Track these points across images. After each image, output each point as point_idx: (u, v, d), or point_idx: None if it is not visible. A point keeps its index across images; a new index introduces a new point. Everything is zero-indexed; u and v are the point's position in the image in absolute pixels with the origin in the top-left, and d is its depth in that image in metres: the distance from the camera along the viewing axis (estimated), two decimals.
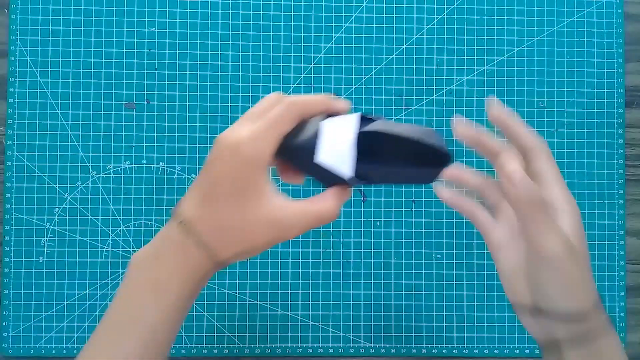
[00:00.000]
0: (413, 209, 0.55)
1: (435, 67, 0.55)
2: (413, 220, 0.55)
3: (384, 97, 0.55)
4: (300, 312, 0.54)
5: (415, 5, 0.56)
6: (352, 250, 0.54)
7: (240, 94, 0.55)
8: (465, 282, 0.54)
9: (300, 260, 0.54)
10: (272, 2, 0.55)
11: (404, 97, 0.55)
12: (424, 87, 0.55)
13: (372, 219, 0.55)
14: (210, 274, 0.34)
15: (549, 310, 0.32)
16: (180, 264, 0.32)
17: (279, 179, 0.36)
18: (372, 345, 0.54)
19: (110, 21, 0.54)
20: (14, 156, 0.53)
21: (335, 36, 0.55)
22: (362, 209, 0.55)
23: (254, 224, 0.32)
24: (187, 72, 0.55)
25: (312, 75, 0.55)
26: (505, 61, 0.56)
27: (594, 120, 0.56)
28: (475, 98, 0.55)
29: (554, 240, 0.32)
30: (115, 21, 0.54)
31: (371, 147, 0.34)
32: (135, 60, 0.54)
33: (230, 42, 0.55)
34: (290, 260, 0.54)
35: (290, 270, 0.54)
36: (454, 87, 0.55)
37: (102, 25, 0.54)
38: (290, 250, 0.54)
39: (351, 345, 0.54)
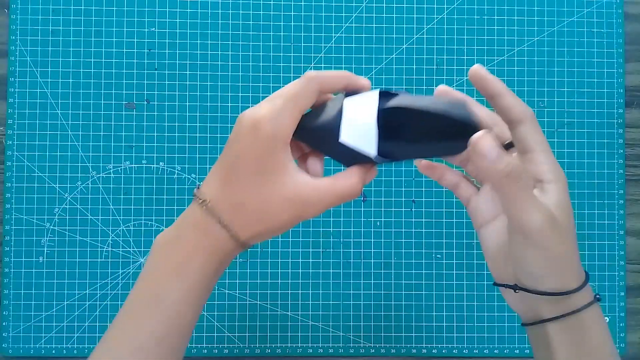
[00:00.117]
0: (413, 209, 0.55)
1: (435, 67, 0.55)
2: (413, 220, 0.55)
3: None
4: (300, 312, 0.54)
5: (415, 5, 0.56)
6: (352, 250, 0.54)
7: (240, 94, 0.55)
8: (465, 282, 0.54)
9: (300, 260, 0.54)
10: (272, 2, 0.55)
11: None
12: (424, 87, 0.55)
13: (372, 219, 0.55)
14: (233, 254, 0.34)
15: (531, 288, 0.32)
16: (201, 244, 0.32)
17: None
18: (372, 345, 0.54)
19: (110, 21, 0.54)
20: (14, 156, 0.53)
21: (335, 36, 0.55)
22: (362, 209, 0.55)
23: (275, 201, 0.32)
24: (187, 72, 0.55)
25: None
26: (505, 61, 0.56)
27: (594, 120, 0.56)
28: (475, 98, 0.55)
29: (533, 213, 0.30)
30: (115, 21, 0.54)
31: (394, 123, 0.33)
32: (135, 60, 0.54)
33: (230, 42, 0.55)
34: (290, 260, 0.54)
35: (290, 270, 0.54)
36: (454, 87, 0.55)
37: (102, 25, 0.54)
38: (290, 250, 0.54)
39: (351, 345, 0.54)
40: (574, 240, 0.32)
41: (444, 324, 0.54)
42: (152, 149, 0.54)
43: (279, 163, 0.32)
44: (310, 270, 0.54)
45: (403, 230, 0.55)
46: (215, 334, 0.53)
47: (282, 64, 0.55)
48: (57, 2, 0.54)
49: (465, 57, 0.55)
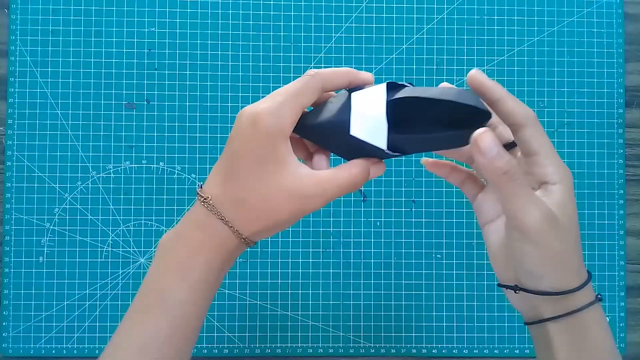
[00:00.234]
0: (413, 209, 0.55)
1: (435, 67, 0.55)
2: (413, 220, 0.55)
3: None
4: (300, 312, 0.54)
5: (415, 5, 0.56)
6: (352, 250, 0.54)
7: (240, 94, 0.55)
8: (465, 282, 0.54)
9: (300, 260, 0.54)
10: (272, 2, 0.55)
11: None
12: (423, 85, 0.55)
13: (372, 219, 0.55)
14: (237, 252, 0.34)
15: (531, 288, 0.32)
16: (204, 242, 0.32)
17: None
18: (372, 345, 0.54)
19: (110, 21, 0.54)
20: (14, 156, 0.53)
21: (335, 36, 0.55)
22: (362, 209, 0.55)
23: (276, 194, 0.32)
24: (187, 72, 0.55)
25: None
26: (505, 61, 0.56)
27: (594, 120, 0.56)
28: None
29: (531, 210, 0.30)
30: (115, 21, 0.54)
31: (404, 114, 0.32)
32: (135, 60, 0.54)
33: (230, 42, 0.55)
34: (290, 260, 0.54)
35: (290, 270, 0.54)
36: (455, 85, 0.55)
37: (102, 25, 0.54)
38: (290, 250, 0.54)
39: (351, 345, 0.54)
40: (575, 240, 0.32)
41: (444, 324, 0.54)
42: (152, 149, 0.54)
43: (278, 156, 0.32)
44: (310, 270, 0.54)
45: (403, 230, 0.55)
46: (215, 334, 0.53)
47: (282, 64, 0.55)
48: (57, 2, 0.54)
49: (465, 57, 0.55)
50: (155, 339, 0.32)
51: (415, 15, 0.56)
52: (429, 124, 0.32)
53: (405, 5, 0.56)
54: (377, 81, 0.35)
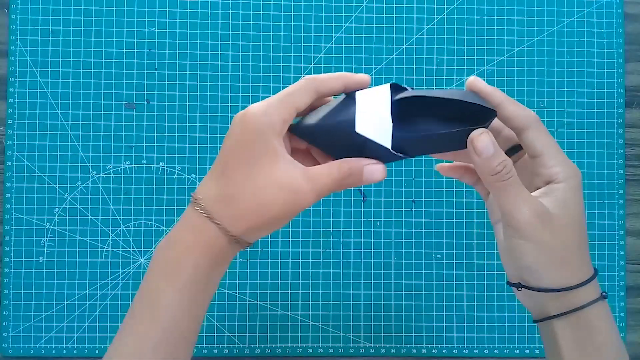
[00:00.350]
0: (413, 209, 0.55)
1: (435, 67, 0.55)
2: (413, 220, 0.55)
3: None
4: (300, 312, 0.54)
5: (415, 5, 0.56)
6: (352, 250, 0.54)
7: (240, 94, 0.55)
8: (465, 282, 0.54)
9: (300, 260, 0.54)
10: (272, 2, 0.55)
11: None
12: (424, 88, 0.55)
13: (372, 219, 0.55)
14: (228, 253, 0.33)
15: (534, 285, 0.32)
16: (194, 244, 0.32)
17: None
18: (372, 345, 0.54)
19: (110, 21, 0.54)
20: (14, 156, 0.53)
21: (335, 36, 0.55)
22: (362, 209, 0.55)
23: (265, 189, 0.31)
24: (187, 72, 0.55)
25: None
26: (505, 61, 0.56)
27: (594, 120, 0.56)
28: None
29: (522, 207, 0.31)
30: (115, 21, 0.54)
31: (409, 113, 0.32)
32: (135, 60, 0.54)
33: (230, 42, 0.55)
34: (290, 260, 0.54)
35: (290, 270, 0.54)
36: (454, 88, 0.55)
37: (102, 25, 0.54)
38: (290, 250, 0.54)
39: (351, 345, 0.54)
40: (577, 238, 0.32)
41: (444, 324, 0.54)
42: (152, 149, 0.54)
43: (268, 151, 0.31)
44: (310, 270, 0.54)
45: (403, 230, 0.55)
46: (215, 334, 0.53)
47: (282, 64, 0.55)
48: (57, 2, 0.54)
49: (465, 57, 0.55)
50: (145, 345, 0.31)
51: (415, 15, 0.56)
52: (434, 120, 0.33)
53: (405, 5, 0.56)
54: (377, 81, 0.35)
